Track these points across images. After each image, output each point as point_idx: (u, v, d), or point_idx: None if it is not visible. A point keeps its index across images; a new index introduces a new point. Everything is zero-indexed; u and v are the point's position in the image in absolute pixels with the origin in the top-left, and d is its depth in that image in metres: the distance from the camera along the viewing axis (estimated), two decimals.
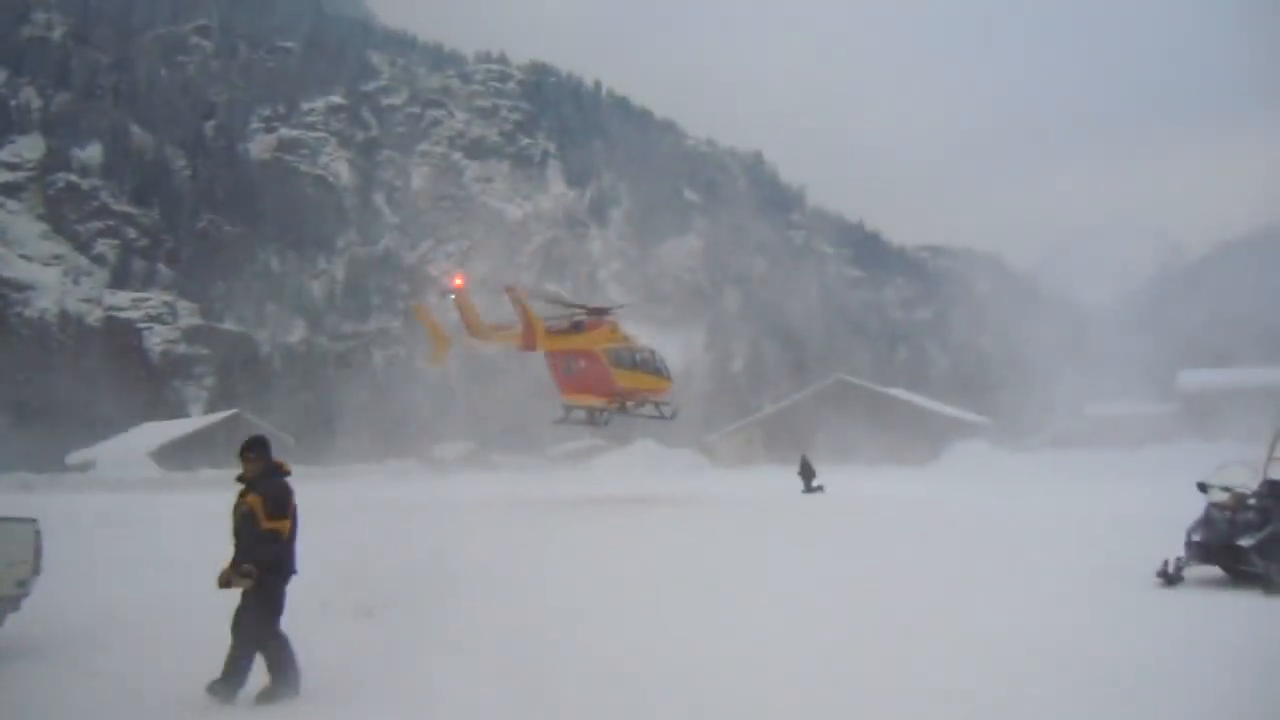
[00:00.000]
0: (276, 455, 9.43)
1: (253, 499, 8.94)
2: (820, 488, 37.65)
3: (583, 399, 35.92)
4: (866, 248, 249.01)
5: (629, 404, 36.64)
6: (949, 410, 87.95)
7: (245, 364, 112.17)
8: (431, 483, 61.91)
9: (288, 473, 9.27)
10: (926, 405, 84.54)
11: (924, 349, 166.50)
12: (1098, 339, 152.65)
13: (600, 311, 36.92)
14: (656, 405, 37.70)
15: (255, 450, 9.22)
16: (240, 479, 9.18)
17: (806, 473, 38.25)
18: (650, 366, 36.78)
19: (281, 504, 8.95)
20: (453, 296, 33.54)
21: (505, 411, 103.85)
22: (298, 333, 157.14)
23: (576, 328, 35.46)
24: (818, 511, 28.18)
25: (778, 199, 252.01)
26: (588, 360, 34.81)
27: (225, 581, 8.72)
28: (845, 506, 29.81)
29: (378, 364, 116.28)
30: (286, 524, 8.95)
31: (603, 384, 35.06)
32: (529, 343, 32.97)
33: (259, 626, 8.81)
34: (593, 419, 37.25)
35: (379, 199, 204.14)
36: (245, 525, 8.90)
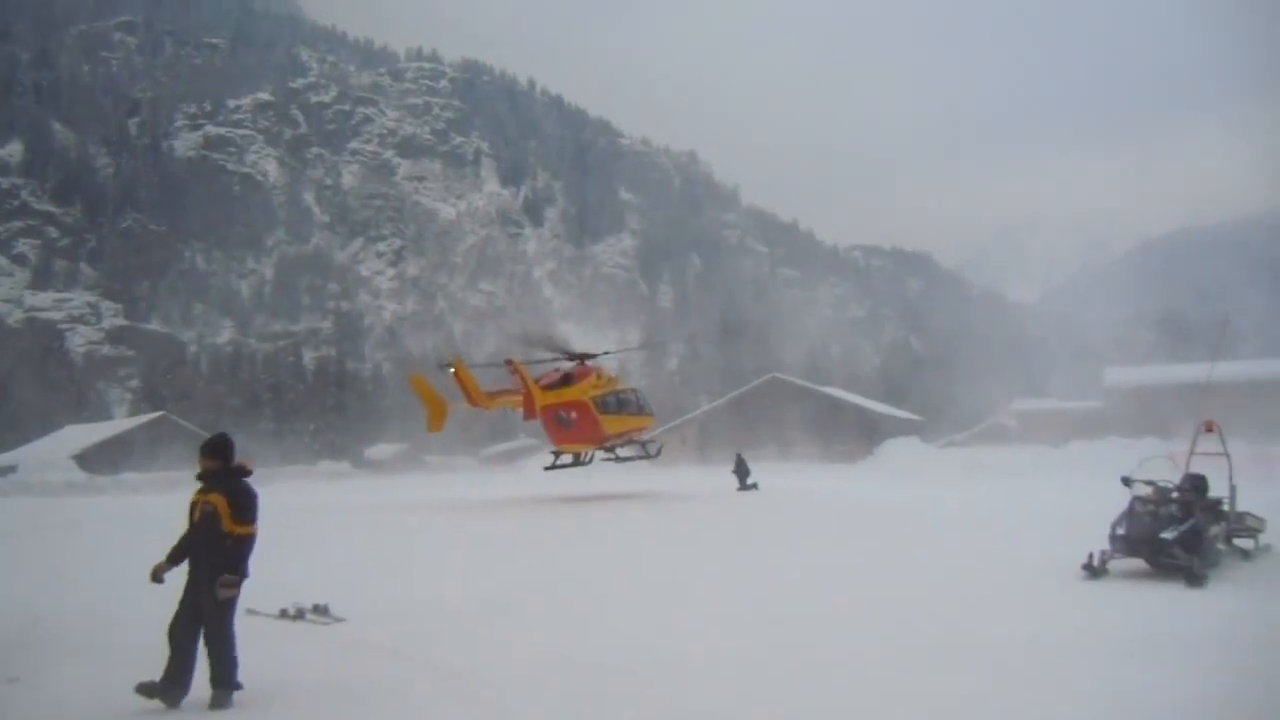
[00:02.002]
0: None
1: (216, 498, 8.77)
2: (754, 485, 37.99)
3: (574, 447, 37.13)
4: (800, 247, 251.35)
5: (616, 443, 37.75)
6: (882, 408, 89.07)
7: (171, 365, 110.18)
8: (363, 484, 61.37)
9: (248, 473, 9.09)
10: (860, 403, 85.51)
11: (857, 347, 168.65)
12: (1026, 336, 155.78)
13: (585, 358, 37.83)
14: (642, 444, 39.27)
15: (218, 450, 9.05)
16: (200, 477, 8.99)
17: (741, 471, 38.56)
18: (634, 407, 37.94)
19: (249, 508, 8.82)
20: (452, 371, 33.81)
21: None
22: (225, 333, 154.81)
23: (566, 381, 36.15)
24: (748, 507, 28.53)
25: (712, 198, 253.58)
26: (579, 411, 35.52)
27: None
28: (775, 503, 30.17)
29: (308, 365, 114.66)
30: (253, 529, 8.83)
31: (593, 431, 35.97)
32: (530, 413, 33.82)
33: (223, 632, 8.71)
34: (579, 460, 38.51)
35: (308, 197, 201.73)
36: (209, 525, 8.73)
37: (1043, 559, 15.74)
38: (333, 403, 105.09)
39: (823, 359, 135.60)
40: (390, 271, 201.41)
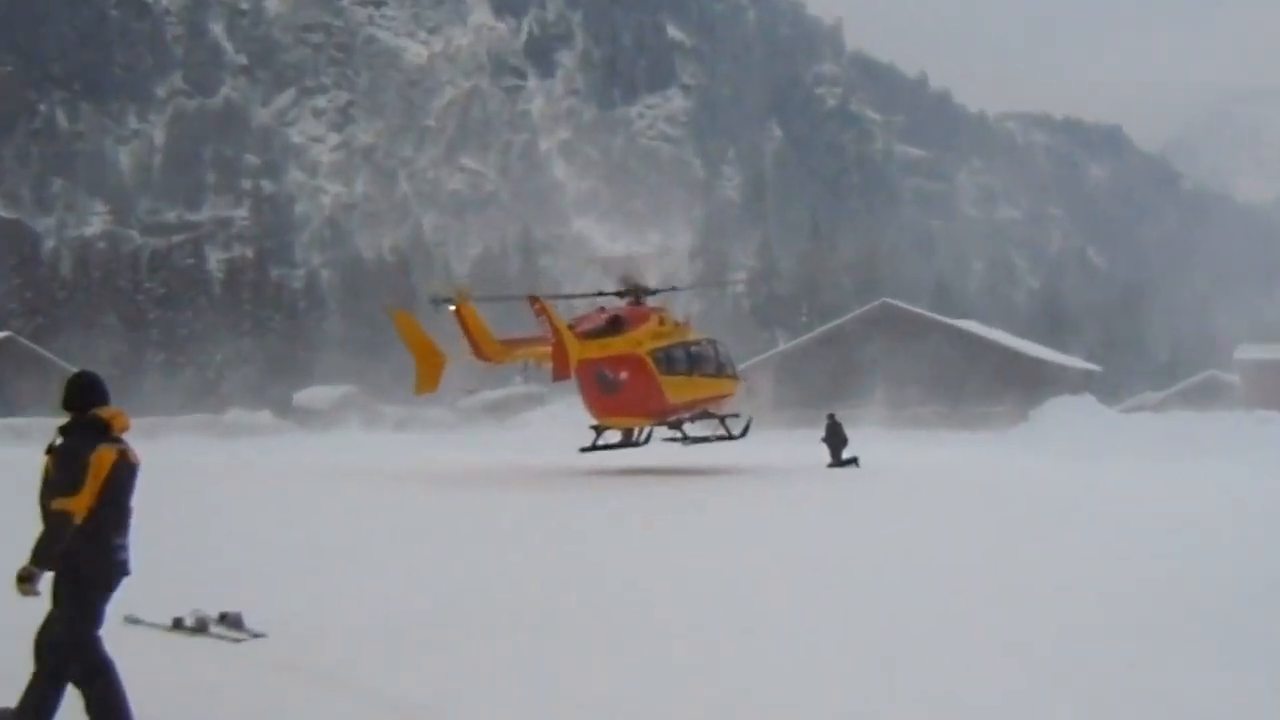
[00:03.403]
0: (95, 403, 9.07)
1: (48, 461, 8.73)
2: (854, 460, 37.92)
3: (622, 420, 37.25)
4: (930, 114, 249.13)
5: (684, 419, 37.86)
6: (1043, 352, 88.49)
7: (20, 266, 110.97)
8: (292, 442, 61.87)
9: (105, 428, 8.91)
10: (1010, 344, 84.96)
11: (1009, 263, 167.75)
12: (1258, 252, 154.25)
13: (639, 294, 37.86)
14: (721, 419, 39.01)
15: (69, 395, 8.97)
16: (61, 430, 8.93)
17: (835, 438, 38.47)
18: (711, 365, 38.14)
19: (67, 474, 8.67)
20: (452, 309, 33.37)
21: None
22: (97, 222, 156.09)
23: (614, 326, 35.67)
24: (850, 500, 28.39)
25: (802, 40, 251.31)
26: (632, 370, 35.36)
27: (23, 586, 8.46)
28: (887, 492, 30.02)
29: (214, 270, 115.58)
30: (75, 503, 8.63)
31: (651, 399, 35.97)
32: (562, 370, 32.99)
33: (61, 650, 8.65)
34: (629, 440, 38.79)
35: (216, 29, 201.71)
36: (42, 499, 8.69)
37: None
38: (249, 325, 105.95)
39: (958, 279, 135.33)
40: (333, 138, 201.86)
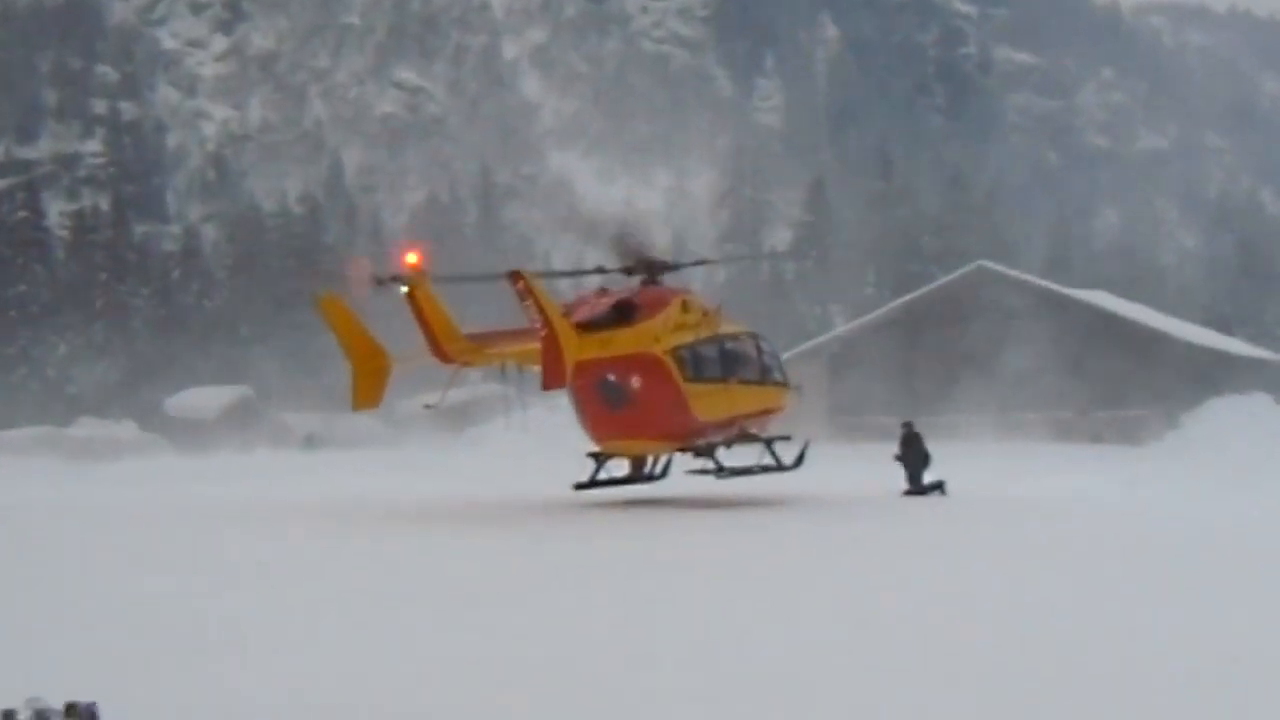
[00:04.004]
0: None
1: None
2: (939, 486, 37.94)
3: (632, 445, 36.60)
4: (1043, 5, 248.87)
5: (716, 442, 37.08)
6: (1199, 335, 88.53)
7: None
8: (163, 466, 62.06)
9: None
10: (1155, 325, 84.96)
11: (1153, 212, 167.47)
12: None
13: (655, 270, 37.43)
14: (767, 443, 38.08)
15: None
16: None
17: (913, 454, 38.48)
18: (753, 369, 37.82)
19: None
20: (404, 290, 32.70)
21: (316, 333, 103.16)
22: None
23: (622, 315, 34.87)
24: (926, 555, 27.92)
25: None
26: (645, 375, 34.52)
27: None
28: (993, 545, 29.46)
29: (54, 227, 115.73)
30: None
31: (672, 416, 35.22)
32: (555, 372, 32.17)
33: None
34: (640, 473, 38.29)
35: None
36: None
37: None
38: (104, 304, 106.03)
39: (1082, 235, 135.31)
40: (218, 43, 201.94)
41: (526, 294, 31.19)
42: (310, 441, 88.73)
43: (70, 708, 13.03)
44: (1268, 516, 32.15)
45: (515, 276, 31.55)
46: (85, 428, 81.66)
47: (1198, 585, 21.73)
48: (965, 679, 14.49)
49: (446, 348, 32.42)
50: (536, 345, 32.20)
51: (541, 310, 31.63)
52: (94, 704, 13.08)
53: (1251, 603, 19.98)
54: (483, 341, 34.41)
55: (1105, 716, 13.12)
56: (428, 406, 38.82)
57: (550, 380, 32.26)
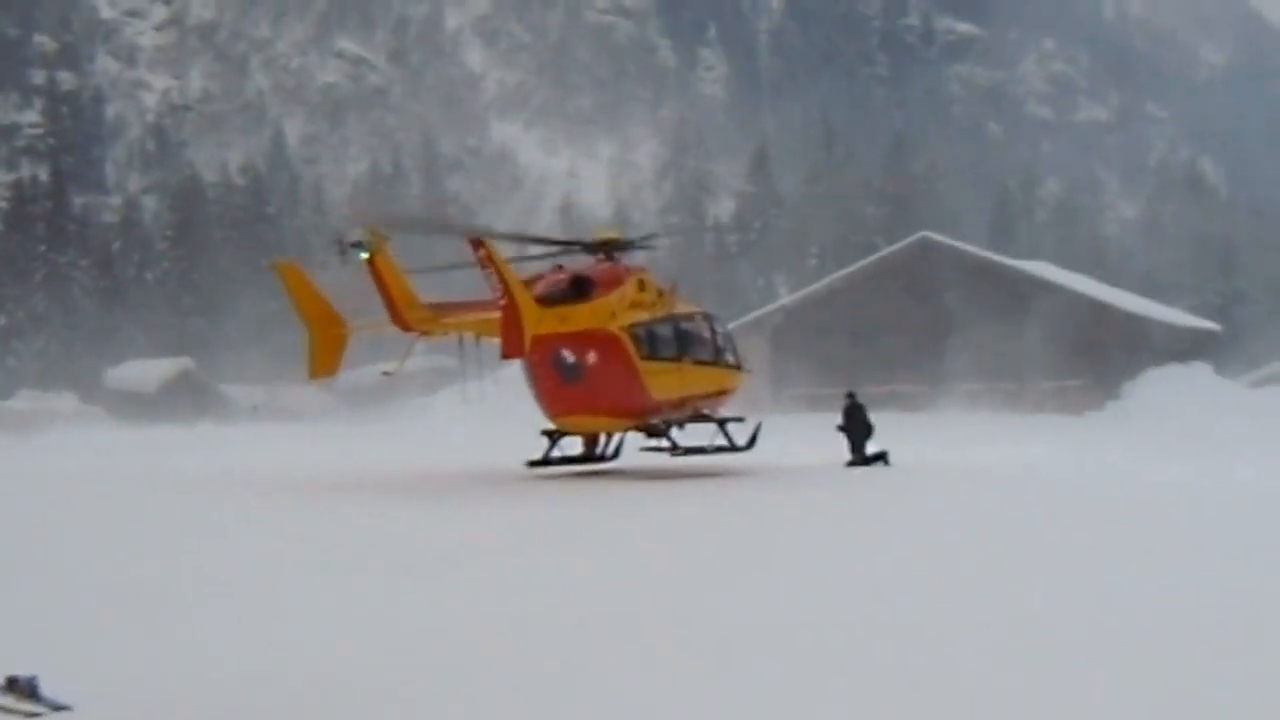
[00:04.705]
0: None
1: None
2: (883, 457, 38.08)
3: (587, 421, 36.65)
4: None
5: (671, 419, 37.25)
6: (1138, 305, 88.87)
7: None
8: (105, 438, 61.74)
9: None
10: (1095, 295, 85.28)
11: (1093, 182, 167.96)
12: None
13: (612, 248, 37.46)
14: (720, 424, 38.13)
15: None
16: None
17: (856, 425, 38.60)
18: (707, 349, 38.06)
19: None
20: (363, 257, 32.46)
21: (256, 304, 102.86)
22: None
23: (578, 291, 34.90)
24: (875, 518, 28.12)
25: None
26: (601, 352, 34.67)
27: None
28: (939, 509, 29.60)
29: None
30: None
31: (628, 394, 35.40)
32: (514, 341, 31.89)
33: None
34: (592, 453, 38.34)
35: None
36: None
37: None
38: (43, 275, 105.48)
39: (1023, 205, 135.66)
40: (158, 12, 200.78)
41: (488, 262, 31.10)
42: (253, 413, 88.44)
43: (11, 682, 12.93)
44: (1211, 483, 32.20)
45: (476, 243, 31.42)
46: (24, 400, 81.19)
47: (1145, 545, 21.78)
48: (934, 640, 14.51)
49: (406, 316, 32.58)
50: (495, 315, 32.35)
51: (502, 279, 31.65)
52: (35, 677, 12.99)
53: (1206, 560, 20.17)
54: (442, 311, 34.56)
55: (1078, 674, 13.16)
56: (386, 373, 38.70)
57: (509, 349, 32.32)
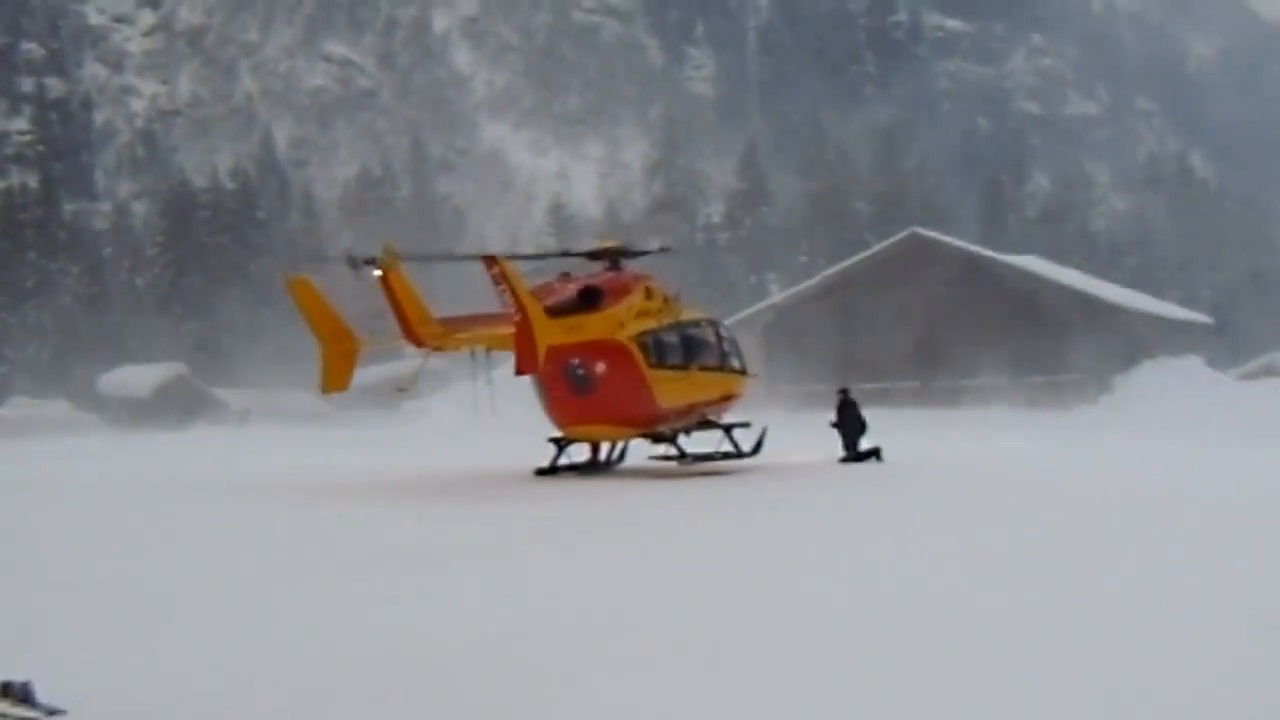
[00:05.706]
0: None
1: None
2: (876, 453, 38.09)
3: (596, 430, 36.74)
4: None
5: (676, 429, 37.47)
6: (1130, 299, 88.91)
7: None
8: (98, 444, 61.66)
9: None
10: (1087, 289, 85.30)
11: (1083, 177, 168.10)
12: None
13: (616, 256, 37.61)
14: (726, 429, 38.55)
15: None
16: None
17: (849, 421, 38.61)
18: (714, 355, 38.21)
19: None
20: (377, 274, 32.51)
21: (249, 311, 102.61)
22: None
23: (587, 301, 35.02)
24: (874, 518, 28.03)
25: None
26: (611, 362, 34.93)
27: None
28: (939, 509, 29.51)
29: None
30: None
31: (637, 403, 35.60)
32: (528, 357, 31.92)
33: None
34: (597, 458, 38.33)
35: None
36: None
37: None
38: (34, 282, 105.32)
39: (1014, 200, 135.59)
40: (145, 18, 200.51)
41: (501, 279, 31.18)
42: (245, 418, 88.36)
43: (5, 687, 12.93)
44: (1206, 475, 32.25)
45: (490, 260, 31.58)
46: (17, 408, 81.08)
47: (1140, 535, 21.89)
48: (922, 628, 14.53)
49: (419, 331, 32.45)
50: (507, 330, 32.38)
51: (515, 295, 31.63)
52: (29, 682, 12.99)
53: (1201, 549, 20.18)
54: (454, 325, 34.43)
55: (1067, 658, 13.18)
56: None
57: (524, 365, 32.34)
